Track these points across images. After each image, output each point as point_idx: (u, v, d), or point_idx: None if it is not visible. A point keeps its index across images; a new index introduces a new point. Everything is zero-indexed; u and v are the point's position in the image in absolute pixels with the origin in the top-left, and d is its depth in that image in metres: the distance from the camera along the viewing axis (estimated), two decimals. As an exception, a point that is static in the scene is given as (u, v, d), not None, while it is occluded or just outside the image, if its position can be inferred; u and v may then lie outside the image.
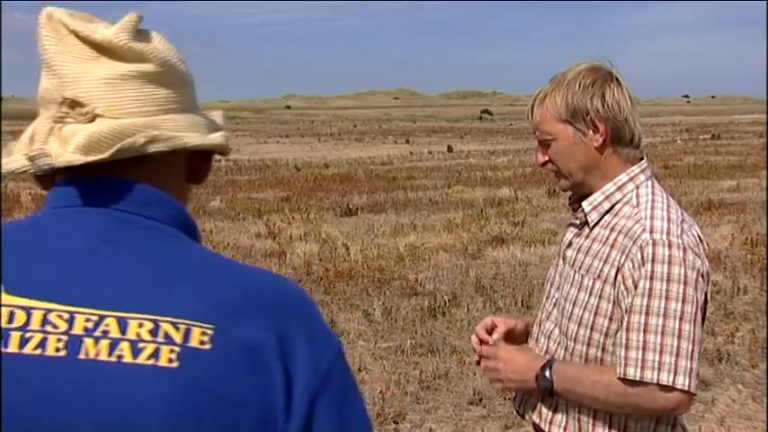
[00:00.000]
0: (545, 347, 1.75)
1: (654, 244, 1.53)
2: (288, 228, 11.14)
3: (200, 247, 0.86)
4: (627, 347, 1.53)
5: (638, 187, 1.66)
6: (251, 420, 0.75)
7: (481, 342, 1.85)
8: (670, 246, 1.52)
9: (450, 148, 34.51)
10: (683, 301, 1.50)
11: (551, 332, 1.74)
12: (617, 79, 1.66)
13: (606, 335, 1.60)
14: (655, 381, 1.51)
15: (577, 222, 1.75)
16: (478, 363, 1.83)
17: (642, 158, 1.71)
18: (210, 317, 0.76)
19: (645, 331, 1.51)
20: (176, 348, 0.75)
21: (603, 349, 1.61)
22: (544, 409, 1.73)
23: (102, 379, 0.74)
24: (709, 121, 72.95)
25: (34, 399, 0.74)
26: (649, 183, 1.67)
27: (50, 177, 0.85)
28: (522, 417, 1.82)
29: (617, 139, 1.64)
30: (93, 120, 0.82)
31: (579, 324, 1.64)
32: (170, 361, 0.74)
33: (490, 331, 1.87)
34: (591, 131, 1.63)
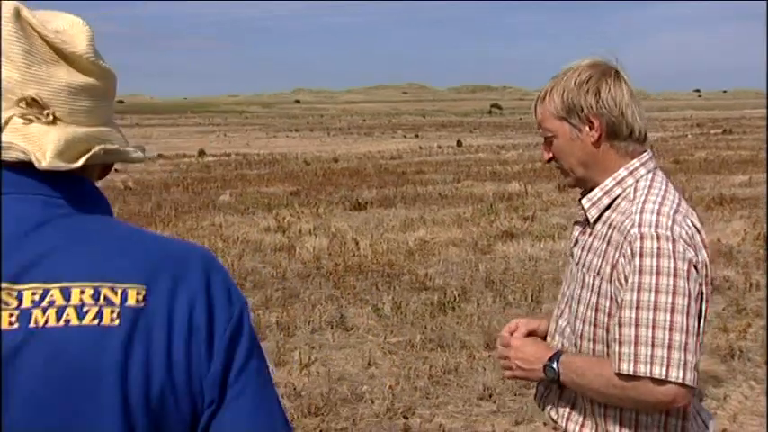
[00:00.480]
0: (559, 345, 1.76)
1: (642, 238, 1.53)
2: (297, 222, 11.14)
3: (122, 223, 0.97)
4: (620, 342, 1.54)
5: (637, 181, 1.66)
6: (183, 363, 0.87)
7: None
8: (658, 238, 1.52)
9: (459, 143, 34.44)
10: (674, 293, 1.50)
11: (564, 329, 1.76)
12: (616, 74, 1.66)
13: (608, 330, 1.61)
14: (648, 374, 1.51)
15: (581, 220, 1.76)
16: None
17: (644, 152, 1.70)
18: (142, 278, 0.88)
19: (636, 325, 1.52)
20: (116, 309, 0.85)
21: (608, 345, 1.62)
22: (561, 406, 1.75)
23: (53, 342, 0.83)
24: (720, 115, 72.50)
25: None
26: (649, 176, 1.67)
27: None
28: (543, 411, 1.84)
29: (613, 134, 1.65)
30: (53, 122, 0.90)
31: (584, 321, 1.66)
32: (112, 320, 0.85)
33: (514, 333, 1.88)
34: (587, 127, 1.65)
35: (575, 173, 1.71)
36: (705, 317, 1.60)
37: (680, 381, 1.50)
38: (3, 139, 0.87)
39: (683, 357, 1.50)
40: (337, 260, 8.43)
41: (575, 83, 1.65)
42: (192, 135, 49.46)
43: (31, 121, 0.89)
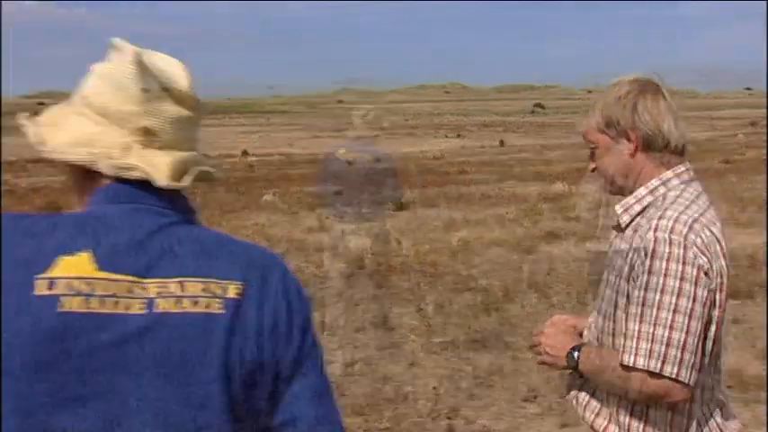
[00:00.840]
0: (586, 339, 1.91)
1: (656, 241, 1.64)
2: (340, 221, 11.18)
3: (212, 230, 1.18)
4: (625, 336, 1.68)
5: (668, 191, 1.76)
6: (269, 345, 1.09)
7: None
8: (670, 243, 1.63)
9: (502, 143, 34.22)
10: (678, 294, 1.61)
11: (591, 325, 1.91)
12: (655, 89, 1.78)
13: None
14: (645, 367, 1.63)
15: (616, 225, 1.87)
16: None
17: (681, 164, 1.79)
18: (239, 276, 1.09)
19: (640, 321, 1.64)
20: (221, 300, 1.07)
21: None
22: (582, 395, 1.88)
23: (172, 324, 1.04)
24: (772, 114, 70.43)
25: (123, 341, 1.03)
26: (681, 186, 1.76)
27: (94, 175, 1.11)
28: (567, 399, 1.98)
29: (649, 146, 1.77)
30: (163, 148, 1.10)
31: (605, 317, 1.80)
32: (218, 309, 1.06)
33: None
34: (624, 140, 1.78)
35: (616, 182, 1.83)
36: (718, 323, 1.70)
37: (673, 376, 1.62)
38: (127, 162, 1.08)
39: (679, 355, 1.61)
40: (380, 260, 8.45)
41: (614, 98, 1.77)
42: (237, 135, 50.05)
43: (146, 146, 1.10)
